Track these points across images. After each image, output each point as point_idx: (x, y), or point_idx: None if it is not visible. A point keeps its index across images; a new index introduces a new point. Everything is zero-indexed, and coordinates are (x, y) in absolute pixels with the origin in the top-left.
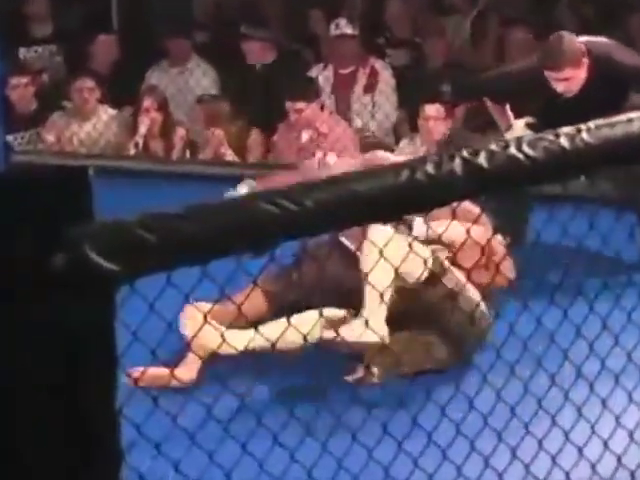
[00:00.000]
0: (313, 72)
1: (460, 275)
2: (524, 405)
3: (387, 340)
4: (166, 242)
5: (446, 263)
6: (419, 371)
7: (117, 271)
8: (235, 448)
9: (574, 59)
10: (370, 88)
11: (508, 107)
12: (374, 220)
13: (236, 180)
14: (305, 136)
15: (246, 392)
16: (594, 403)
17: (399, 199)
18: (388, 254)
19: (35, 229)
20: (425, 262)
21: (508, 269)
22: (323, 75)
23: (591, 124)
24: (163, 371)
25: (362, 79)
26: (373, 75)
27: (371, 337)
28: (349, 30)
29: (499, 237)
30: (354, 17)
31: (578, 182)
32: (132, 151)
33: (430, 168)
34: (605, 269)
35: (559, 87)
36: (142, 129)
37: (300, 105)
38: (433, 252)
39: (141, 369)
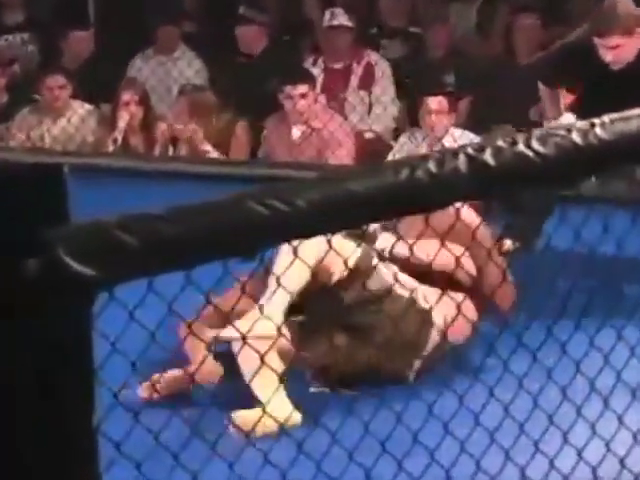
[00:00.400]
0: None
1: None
2: (534, 421)
3: (275, 331)
4: (147, 245)
5: (375, 261)
6: (357, 380)
7: (94, 277)
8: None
9: (627, 25)
10: (366, 83)
11: (562, 95)
12: (370, 221)
13: (223, 179)
14: (297, 132)
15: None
16: (609, 419)
17: (398, 199)
18: (304, 252)
19: (6, 231)
20: (345, 262)
21: (506, 297)
22: (313, 71)
23: (605, 118)
24: (179, 374)
25: (357, 74)
26: (369, 69)
27: (263, 328)
28: (345, 21)
29: (507, 242)
30: (350, 6)
31: (590, 181)
32: (110, 148)
33: (432, 166)
34: (621, 276)
35: (607, 56)
36: (121, 124)
37: (302, 89)
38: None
39: (156, 376)
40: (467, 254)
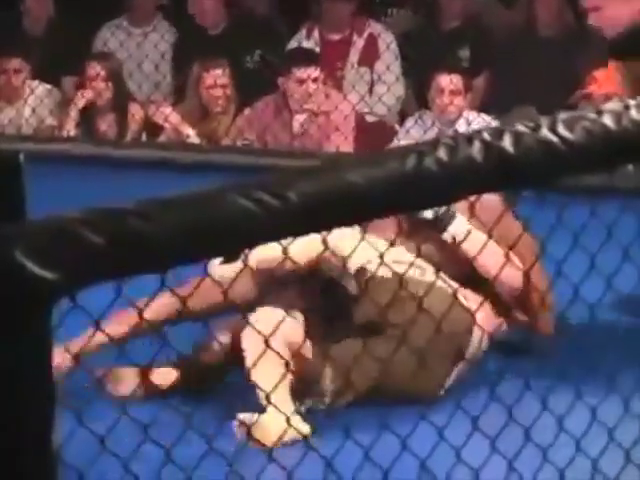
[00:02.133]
0: (293, 42)
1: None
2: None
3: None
4: (116, 245)
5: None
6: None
7: (55, 280)
8: None
9: None
10: (368, 58)
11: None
12: (372, 217)
13: (203, 168)
14: (299, 120)
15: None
16: None
17: (403, 192)
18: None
19: None
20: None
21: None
22: (306, 44)
23: None
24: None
25: (357, 48)
26: (371, 42)
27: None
28: None
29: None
30: None
31: (626, 171)
32: (72, 132)
33: (442, 154)
34: None
35: None
36: (80, 102)
37: (312, 71)
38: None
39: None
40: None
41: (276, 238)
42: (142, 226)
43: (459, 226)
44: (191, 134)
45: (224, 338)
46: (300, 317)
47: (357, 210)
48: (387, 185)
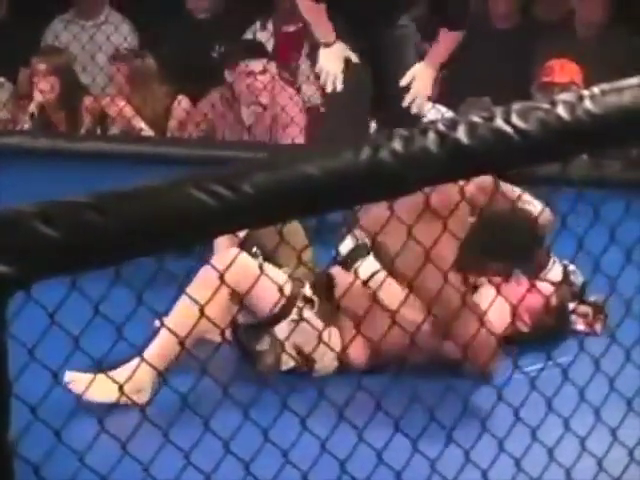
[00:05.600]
0: (248, 34)
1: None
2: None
3: None
4: (71, 238)
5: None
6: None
7: (9, 274)
8: None
9: None
10: None
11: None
12: (327, 209)
13: (156, 160)
14: (248, 113)
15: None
16: None
17: (359, 183)
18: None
19: None
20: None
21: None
22: (260, 36)
23: (595, 89)
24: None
25: (311, 38)
26: None
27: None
28: None
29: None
30: None
31: (580, 161)
32: (26, 125)
33: (397, 145)
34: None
35: None
36: (37, 96)
37: (259, 65)
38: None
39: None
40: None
41: (231, 230)
42: (97, 219)
43: (367, 267)
44: (144, 127)
45: None
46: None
47: (312, 202)
48: (342, 177)
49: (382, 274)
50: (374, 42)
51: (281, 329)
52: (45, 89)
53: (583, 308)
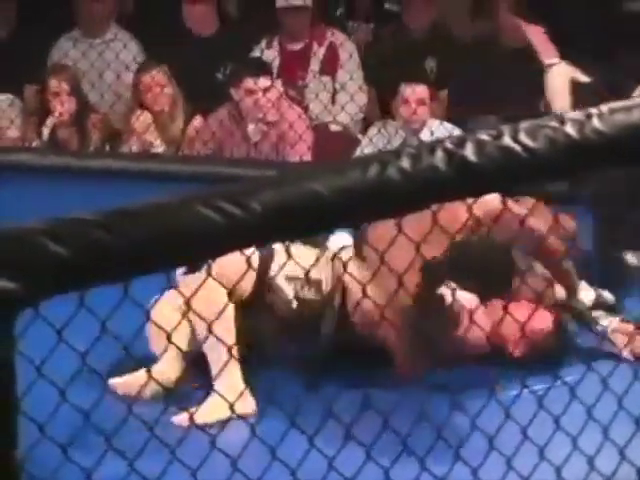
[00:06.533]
0: (255, 52)
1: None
2: None
3: None
4: (79, 255)
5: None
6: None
7: (18, 291)
8: None
9: None
10: (330, 67)
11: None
12: (335, 226)
13: (164, 177)
14: (254, 131)
15: None
16: None
17: (366, 201)
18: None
19: None
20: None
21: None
22: (267, 54)
23: (603, 108)
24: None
25: (318, 57)
26: (332, 51)
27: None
28: (300, 1)
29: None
30: None
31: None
32: (35, 142)
33: (405, 163)
34: None
35: None
36: (49, 120)
37: (264, 82)
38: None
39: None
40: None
41: (240, 248)
42: (105, 237)
43: (339, 240)
44: (156, 143)
45: None
46: None
47: (320, 219)
48: (350, 194)
49: (350, 252)
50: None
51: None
52: (63, 109)
53: (624, 326)
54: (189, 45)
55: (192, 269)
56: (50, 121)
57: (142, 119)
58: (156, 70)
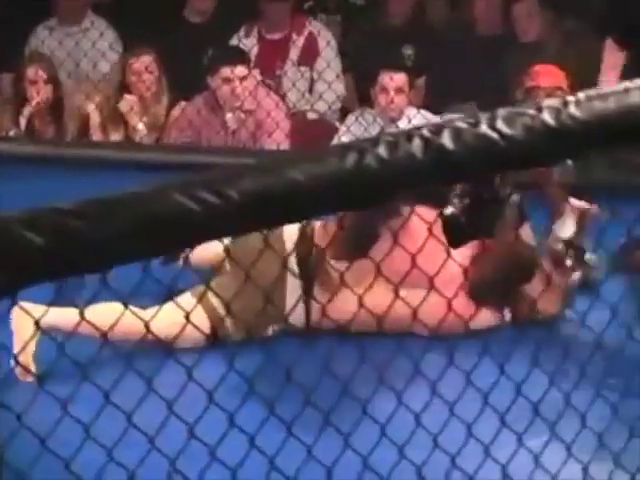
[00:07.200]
0: (234, 40)
1: None
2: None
3: None
4: (56, 244)
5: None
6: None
7: None
8: None
9: None
10: (307, 57)
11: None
12: (313, 215)
13: (142, 166)
14: (232, 119)
15: None
16: None
17: (344, 189)
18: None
19: None
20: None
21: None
22: (245, 43)
23: (580, 95)
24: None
25: (297, 47)
26: (311, 41)
27: None
28: None
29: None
30: None
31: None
32: (11, 132)
33: (383, 150)
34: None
35: None
36: (33, 104)
37: (241, 71)
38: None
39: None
40: None
41: (217, 236)
42: (82, 226)
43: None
44: (140, 127)
45: None
46: None
47: (298, 207)
48: (328, 182)
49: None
50: None
51: None
52: (42, 98)
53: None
54: (175, 30)
55: (170, 258)
56: (27, 110)
57: (128, 103)
58: (146, 55)
